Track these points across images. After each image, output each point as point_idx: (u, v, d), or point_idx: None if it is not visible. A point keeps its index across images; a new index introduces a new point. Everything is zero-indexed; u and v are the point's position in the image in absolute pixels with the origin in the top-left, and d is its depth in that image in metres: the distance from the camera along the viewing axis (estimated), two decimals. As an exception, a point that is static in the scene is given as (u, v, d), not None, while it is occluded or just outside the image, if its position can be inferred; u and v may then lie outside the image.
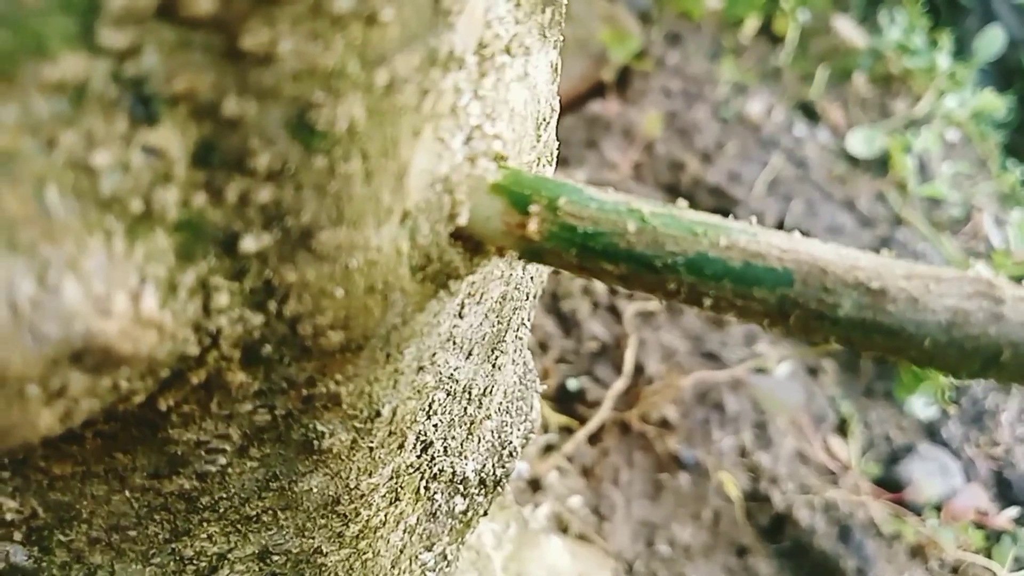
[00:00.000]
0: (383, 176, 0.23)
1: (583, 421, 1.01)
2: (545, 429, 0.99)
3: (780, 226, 1.38)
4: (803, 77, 1.80)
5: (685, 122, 1.51)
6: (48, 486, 0.30)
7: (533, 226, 0.26)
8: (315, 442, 0.29)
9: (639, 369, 1.10)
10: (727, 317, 0.27)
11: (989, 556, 1.12)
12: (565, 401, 1.08)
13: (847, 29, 2.01)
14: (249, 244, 0.22)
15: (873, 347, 0.25)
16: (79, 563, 0.34)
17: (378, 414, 0.30)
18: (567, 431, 1.01)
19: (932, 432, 1.32)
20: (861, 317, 0.24)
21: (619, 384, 1.02)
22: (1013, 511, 1.23)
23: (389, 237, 0.24)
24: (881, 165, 1.61)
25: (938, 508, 1.18)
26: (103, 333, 0.20)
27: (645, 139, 1.44)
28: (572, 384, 1.08)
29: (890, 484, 1.19)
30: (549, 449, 0.98)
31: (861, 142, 1.62)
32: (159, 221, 0.21)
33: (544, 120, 0.33)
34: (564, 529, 0.90)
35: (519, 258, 0.27)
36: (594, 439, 1.03)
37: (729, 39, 1.83)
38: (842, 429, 1.25)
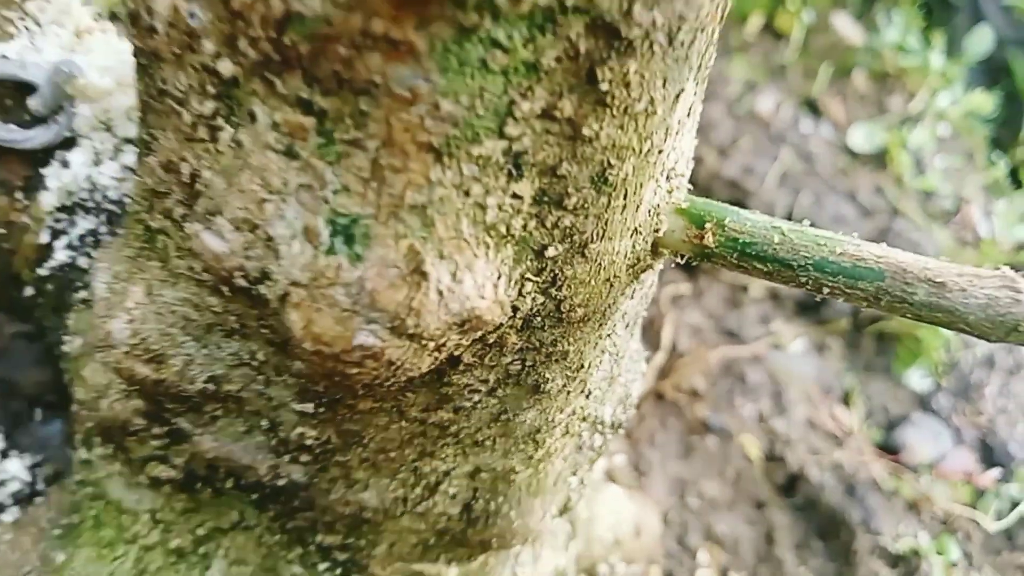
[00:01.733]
0: (631, 207, 0.35)
1: (624, 390, 1.14)
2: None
3: (789, 216, 1.51)
4: (806, 73, 1.92)
5: (702, 119, 1.63)
6: (347, 419, 0.42)
7: (710, 238, 0.38)
8: (541, 385, 0.42)
9: (672, 349, 1.23)
10: (836, 299, 0.40)
11: (975, 508, 1.27)
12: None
13: (846, 26, 2.13)
14: (552, 252, 0.34)
15: (936, 321, 0.38)
16: (345, 478, 0.46)
17: (582, 366, 0.42)
18: (610, 398, 1.14)
19: (925, 403, 1.45)
20: (929, 301, 0.37)
21: (658, 358, 1.15)
22: (995, 472, 1.37)
23: (624, 246, 0.37)
24: (880, 159, 1.74)
25: (931, 468, 1.32)
26: (480, 309, 0.32)
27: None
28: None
29: (889, 448, 1.33)
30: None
31: (862, 138, 1.75)
32: (510, 238, 0.33)
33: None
34: (613, 481, 1.03)
35: (692, 259, 0.40)
36: (635, 406, 1.16)
37: (736, 36, 1.95)
38: (846, 399, 1.38)
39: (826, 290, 0.38)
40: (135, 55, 0.35)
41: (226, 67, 0.30)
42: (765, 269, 0.38)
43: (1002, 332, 0.37)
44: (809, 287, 0.38)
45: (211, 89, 0.31)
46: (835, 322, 1.39)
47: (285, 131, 0.30)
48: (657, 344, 1.17)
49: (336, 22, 0.26)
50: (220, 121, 0.32)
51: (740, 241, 0.38)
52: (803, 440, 1.25)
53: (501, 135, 0.30)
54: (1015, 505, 1.27)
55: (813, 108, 1.81)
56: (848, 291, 0.38)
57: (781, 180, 1.57)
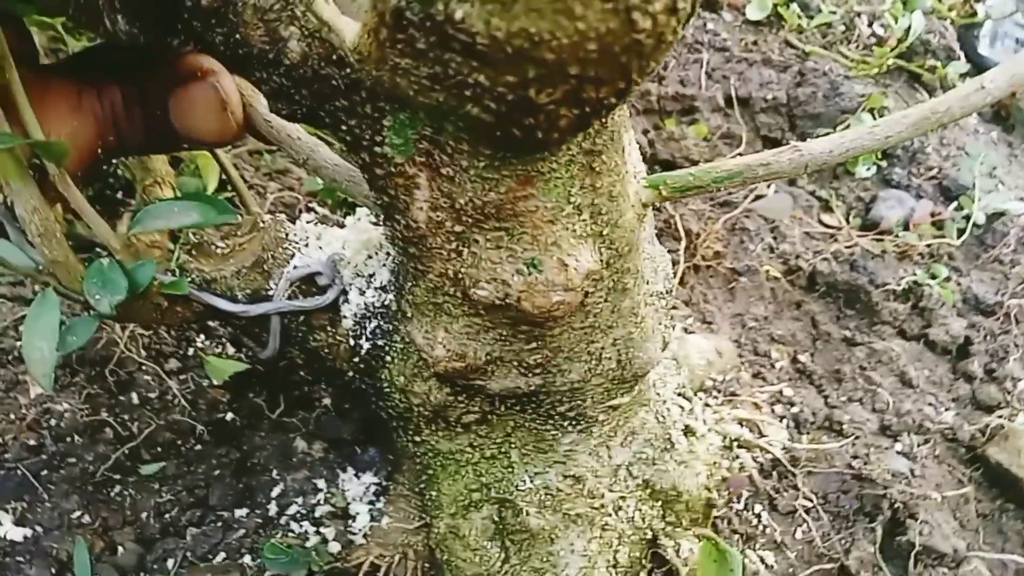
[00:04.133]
0: (628, 199, 0.81)
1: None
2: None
3: (729, 102, 1.95)
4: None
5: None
6: (549, 342, 0.89)
7: (665, 191, 0.85)
8: (626, 288, 0.88)
9: (687, 233, 1.69)
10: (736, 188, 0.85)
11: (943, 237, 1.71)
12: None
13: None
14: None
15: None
16: (560, 372, 0.93)
17: (639, 271, 0.89)
18: (666, 286, 1.61)
19: (887, 181, 1.89)
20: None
21: (682, 245, 1.61)
22: (954, 204, 1.81)
23: (630, 213, 0.83)
24: (777, 20, 2.16)
25: (905, 226, 1.76)
26: (591, 269, 0.79)
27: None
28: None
29: (869, 226, 1.77)
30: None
31: (756, 10, 2.16)
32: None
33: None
34: (691, 334, 1.50)
35: (661, 201, 0.86)
36: (682, 283, 1.63)
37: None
38: (827, 207, 1.83)
39: (722, 188, 0.84)
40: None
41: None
42: (692, 192, 0.85)
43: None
44: (718, 190, 0.84)
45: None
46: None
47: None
48: (678, 237, 1.64)
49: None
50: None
51: (677, 187, 0.84)
52: (807, 248, 1.70)
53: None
54: (969, 219, 1.71)
55: (712, 6, 2.22)
56: (735, 184, 0.84)
57: (710, 77, 2.01)
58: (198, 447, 1.26)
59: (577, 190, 0.75)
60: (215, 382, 1.33)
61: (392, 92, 0.65)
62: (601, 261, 0.82)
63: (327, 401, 1.32)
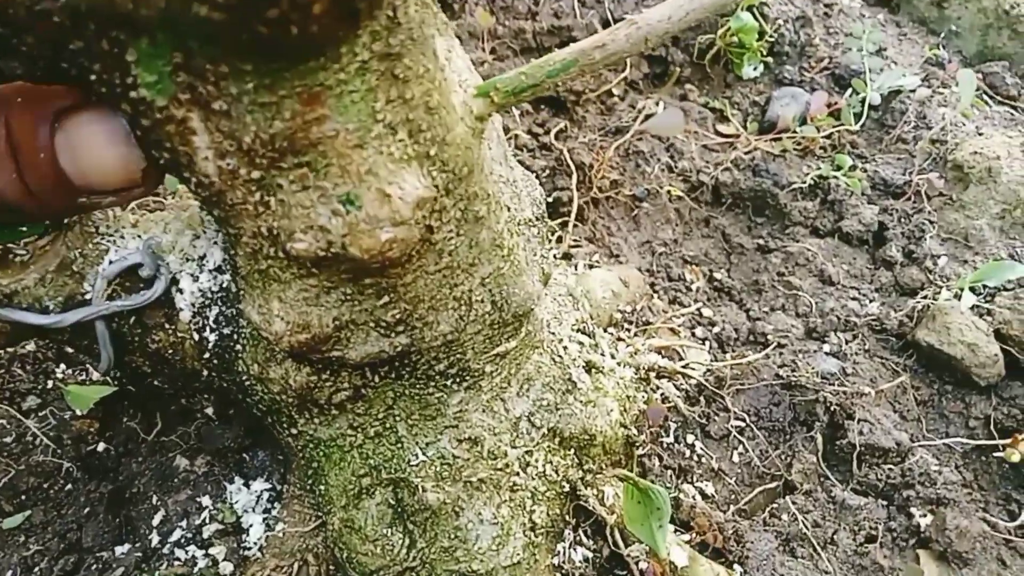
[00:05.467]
0: (452, 111, 0.70)
1: (570, 213, 1.51)
2: (553, 232, 1.49)
3: (606, 25, 1.85)
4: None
5: (505, 2, 1.95)
6: (404, 292, 0.78)
7: (497, 97, 0.74)
8: (478, 216, 0.77)
9: (579, 167, 1.59)
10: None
11: (842, 125, 1.64)
12: (552, 212, 1.57)
13: None
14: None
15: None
16: (427, 326, 0.82)
17: (490, 196, 0.78)
18: (564, 225, 1.50)
19: (779, 80, 1.81)
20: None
21: (574, 179, 1.51)
22: (848, 91, 1.74)
23: (461, 127, 0.72)
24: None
25: (803, 121, 1.69)
26: (421, 196, 0.68)
27: (487, 29, 1.89)
28: (549, 200, 1.57)
29: (768, 128, 1.70)
30: (560, 240, 1.48)
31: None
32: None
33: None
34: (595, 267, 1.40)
35: (497, 110, 0.75)
36: (583, 220, 1.52)
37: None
38: (722, 116, 1.74)
39: (559, 81, 0.73)
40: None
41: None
42: (527, 93, 0.74)
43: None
44: (557, 85, 0.74)
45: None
46: (671, 76, 1.74)
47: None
48: (570, 172, 1.53)
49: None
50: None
51: (510, 90, 0.73)
52: (707, 162, 1.61)
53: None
54: (864, 102, 1.64)
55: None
56: (572, 75, 0.73)
57: (585, 3, 1.90)
58: (68, 487, 1.12)
59: (383, 104, 0.64)
60: (79, 412, 1.18)
61: (113, 11, 0.53)
62: (436, 187, 0.71)
63: (209, 410, 1.19)
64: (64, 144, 0.60)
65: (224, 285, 0.87)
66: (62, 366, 1.26)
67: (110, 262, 0.87)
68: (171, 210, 0.90)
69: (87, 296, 0.86)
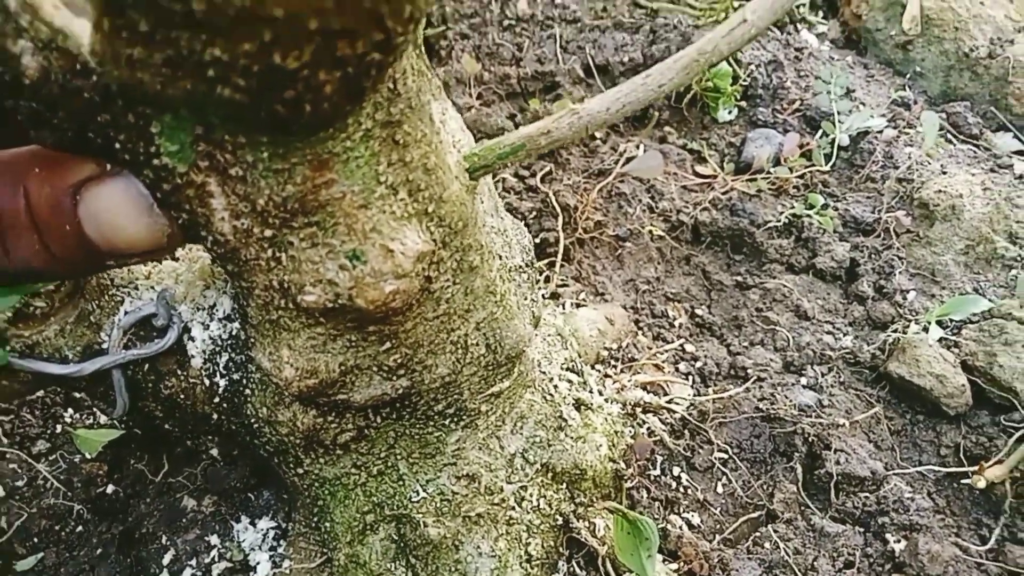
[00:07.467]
0: (450, 172, 0.76)
1: (556, 254, 1.57)
2: (541, 272, 1.55)
3: (588, 71, 1.93)
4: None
5: (488, 47, 2.03)
6: (405, 338, 0.84)
7: (466, 166, 0.80)
8: (475, 268, 0.83)
9: (564, 208, 1.66)
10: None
11: (814, 165, 1.72)
12: (539, 253, 1.64)
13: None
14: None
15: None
16: (426, 370, 0.88)
17: (483, 246, 0.84)
18: (551, 265, 1.57)
19: (753, 122, 1.89)
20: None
21: (560, 221, 1.58)
22: (819, 132, 1.82)
23: (456, 185, 0.78)
24: (620, -15, 2.15)
25: (777, 162, 1.76)
26: (422, 251, 0.74)
27: (473, 75, 1.96)
28: (536, 240, 1.63)
29: (743, 169, 1.77)
30: (548, 280, 1.54)
31: (599, -21, 2.16)
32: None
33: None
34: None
35: (473, 174, 0.82)
36: (569, 260, 1.59)
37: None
38: (700, 158, 1.82)
39: (508, 163, 0.80)
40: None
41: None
42: (480, 172, 0.80)
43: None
44: (505, 165, 0.80)
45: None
46: (650, 120, 1.82)
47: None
48: (556, 213, 1.60)
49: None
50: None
51: (486, 156, 0.80)
52: (686, 202, 1.68)
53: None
54: (834, 143, 1.72)
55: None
56: (521, 157, 0.79)
57: (564, 52, 1.98)
58: (79, 528, 1.16)
59: (385, 167, 0.70)
60: (89, 456, 1.22)
61: (143, 92, 0.59)
62: (434, 241, 0.77)
63: (215, 451, 1.24)
64: (88, 214, 0.62)
65: (233, 333, 0.93)
66: (70, 410, 1.30)
67: (125, 312, 0.92)
68: (183, 262, 0.96)
69: (104, 345, 0.91)
